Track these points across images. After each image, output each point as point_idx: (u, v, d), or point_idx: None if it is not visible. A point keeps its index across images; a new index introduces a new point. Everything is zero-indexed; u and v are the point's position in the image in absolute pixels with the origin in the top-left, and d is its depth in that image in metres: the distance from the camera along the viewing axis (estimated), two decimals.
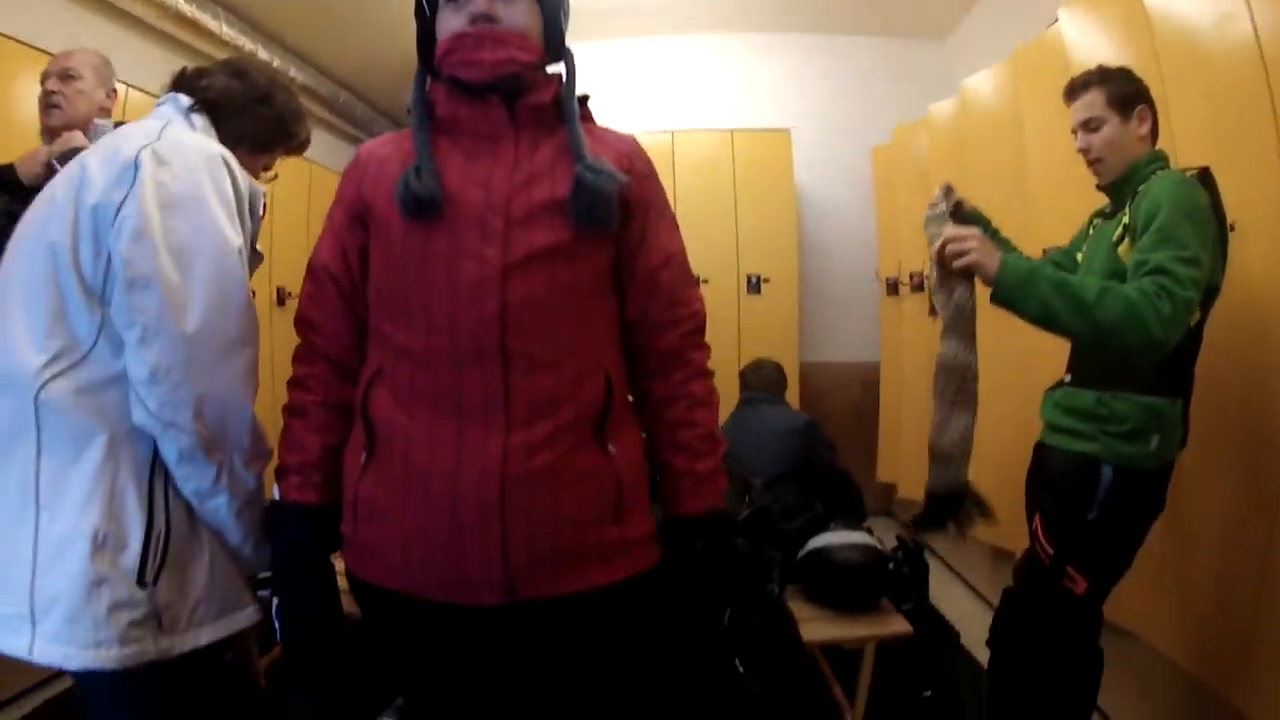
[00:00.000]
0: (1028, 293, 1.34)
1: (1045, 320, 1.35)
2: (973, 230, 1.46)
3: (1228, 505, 1.76)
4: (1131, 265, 1.40)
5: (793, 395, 3.74)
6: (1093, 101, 1.59)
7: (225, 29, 3.39)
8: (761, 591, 1.88)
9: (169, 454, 0.97)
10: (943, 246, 1.42)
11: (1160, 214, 1.39)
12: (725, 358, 3.69)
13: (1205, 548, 1.83)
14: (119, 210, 0.95)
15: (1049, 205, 2.47)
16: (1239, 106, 1.69)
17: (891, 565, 2.28)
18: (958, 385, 1.53)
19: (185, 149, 1.02)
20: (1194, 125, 1.85)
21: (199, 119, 1.14)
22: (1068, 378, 1.66)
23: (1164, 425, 1.50)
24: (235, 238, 1.03)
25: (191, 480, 0.99)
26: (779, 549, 2.08)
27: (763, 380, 2.88)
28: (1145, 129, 1.59)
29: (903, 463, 3.69)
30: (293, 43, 4.03)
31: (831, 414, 4.16)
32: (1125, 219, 1.52)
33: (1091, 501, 1.51)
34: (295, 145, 1.33)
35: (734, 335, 3.76)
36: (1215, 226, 1.45)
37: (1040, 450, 1.73)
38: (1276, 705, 1.50)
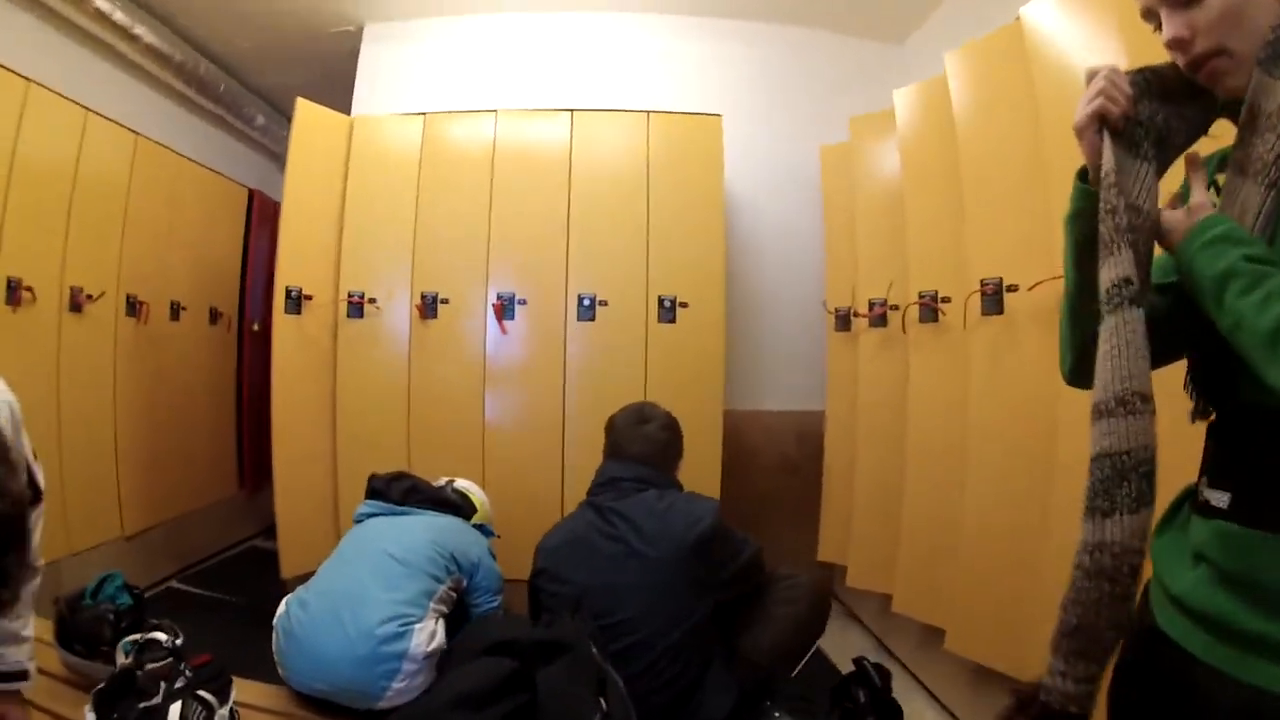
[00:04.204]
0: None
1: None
2: None
3: None
4: None
5: (713, 453, 2.94)
6: None
7: None
8: None
9: None
10: None
11: None
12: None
13: None
14: None
15: None
16: None
17: None
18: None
19: None
20: None
21: None
22: (1215, 497, 0.80)
23: None
24: None
25: None
26: None
27: (644, 444, 1.92)
28: None
29: (854, 541, 2.93)
30: None
31: (758, 476, 3.42)
32: None
33: None
34: None
35: (639, 375, 2.93)
36: None
37: (1181, 669, 0.80)
38: None
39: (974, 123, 2.29)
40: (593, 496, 1.88)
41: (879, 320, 2.77)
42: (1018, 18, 2.07)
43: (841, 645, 2.88)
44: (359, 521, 2.11)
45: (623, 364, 2.94)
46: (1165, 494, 0.90)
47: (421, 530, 1.98)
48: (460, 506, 2.20)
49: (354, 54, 3.74)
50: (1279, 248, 0.73)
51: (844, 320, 3.01)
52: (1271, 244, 0.74)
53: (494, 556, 2.13)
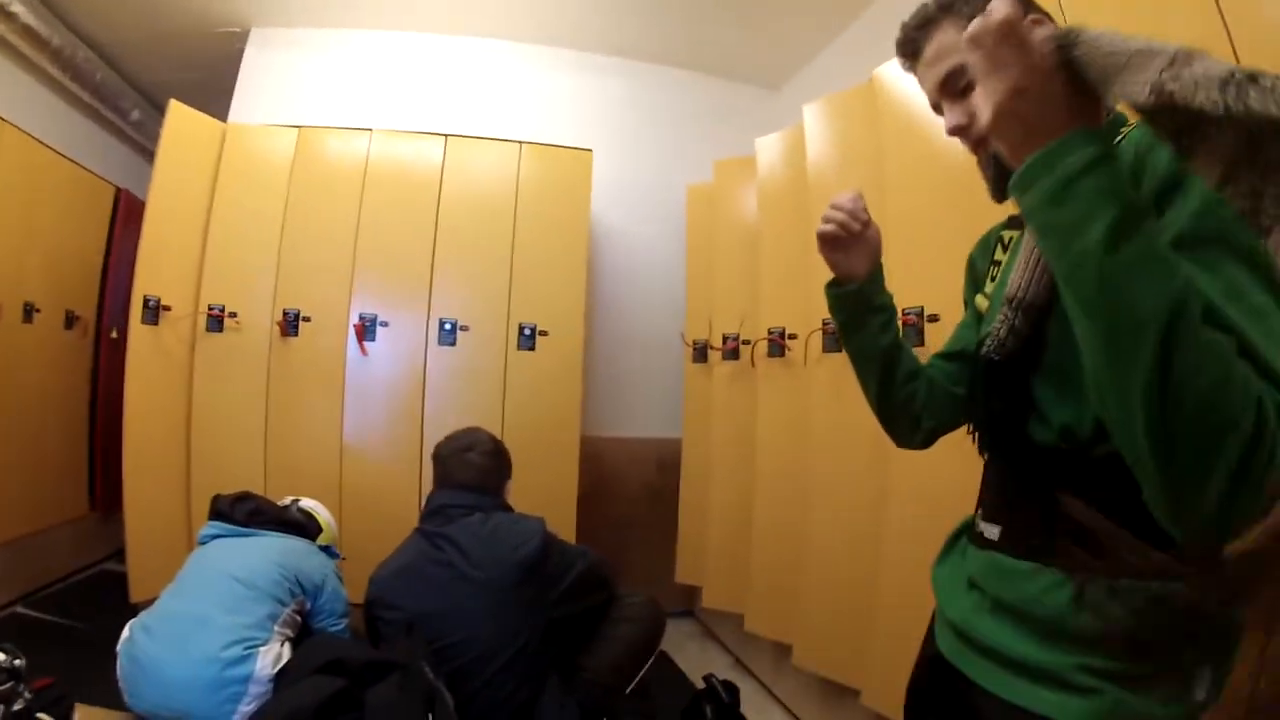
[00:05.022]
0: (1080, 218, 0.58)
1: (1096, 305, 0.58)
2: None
3: None
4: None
5: (569, 477, 3.01)
6: (945, 44, 0.88)
7: None
8: None
9: None
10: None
11: (1189, 194, 0.66)
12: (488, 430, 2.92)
13: None
14: None
15: (920, 263, 1.93)
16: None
17: None
18: None
19: None
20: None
21: None
22: (988, 529, 0.88)
23: (1222, 642, 0.78)
24: None
25: None
26: None
27: (469, 470, 1.97)
28: None
29: (709, 563, 3.01)
30: None
31: (621, 500, 3.50)
32: None
33: None
34: None
35: (497, 401, 2.95)
36: None
37: (961, 691, 0.87)
38: None
39: (826, 172, 2.43)
40: (422, 524, 1.92)
41: (731, 354, 2.88)
42: (872, 77, 2.20)
43: (700, 663, 2.98)
44: (203, 544, 2.07)
45: (482, 390, 2.95)
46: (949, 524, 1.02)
47: (265, 552, 1.96)
48: (305, 527, 2.19)
49: (238, 56, 3.64)
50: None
51: (701, 352, 3.10)
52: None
53: (340, 579, 2.12)
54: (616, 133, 3.70)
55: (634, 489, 3.57)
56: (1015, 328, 0.82)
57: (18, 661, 1.70)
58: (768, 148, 2.80)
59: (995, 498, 0.90)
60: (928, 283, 1.92)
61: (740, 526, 2.79)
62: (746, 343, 2.82)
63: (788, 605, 2.49)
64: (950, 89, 0.88)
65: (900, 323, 1.88)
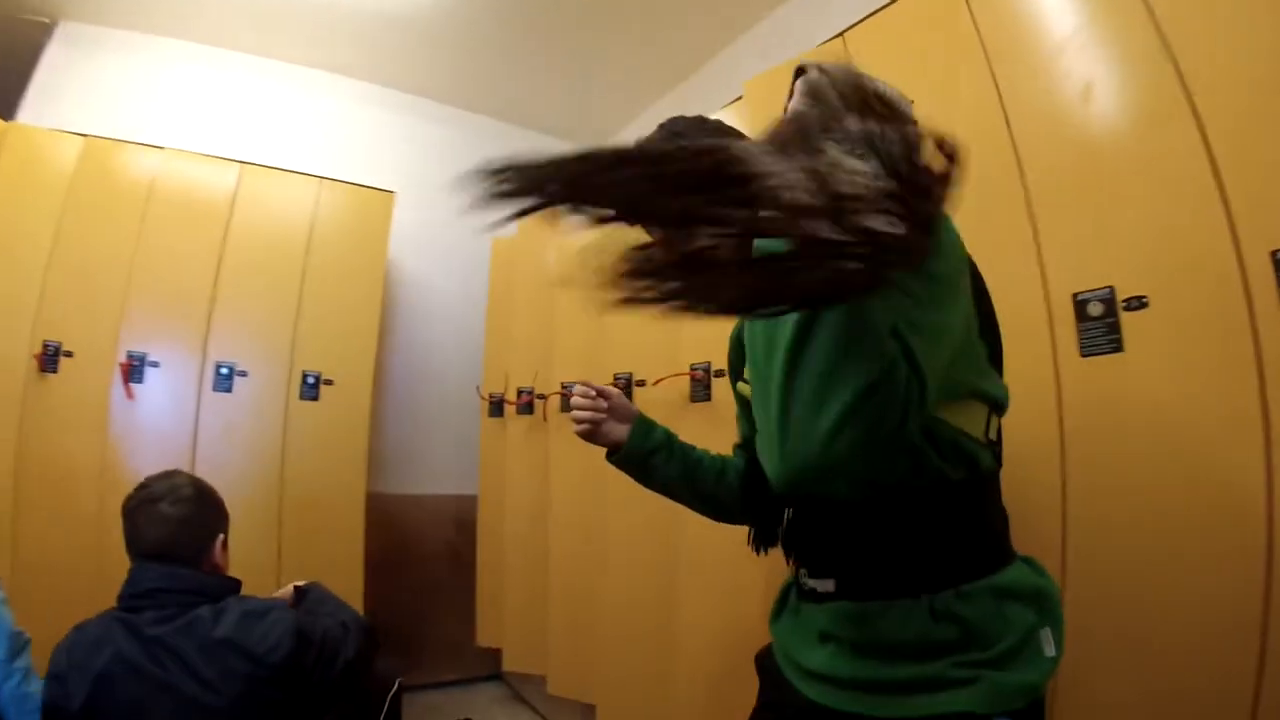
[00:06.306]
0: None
1: None
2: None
3: None
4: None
5: (354, 541, 2.84)
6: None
7: None
8: None
9: None
10: None
11: None
12: (264, 488, 2.70)
13: None
14: None
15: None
16: None
17: None
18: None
19: None
20: None
21: None
22: (820, 585, 0.92)
23: (1052, 607, 0.88)
24: None
25: None
26: None
27: (161, 527, 1.52)
28: None
29: (508, 625, 2.92)
30: None
31: (421, 562, 3.37)
32: None
33: None
34: None
35: (276, 457, 2.73)
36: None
37: None
38: None
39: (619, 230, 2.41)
40: (132, 613, 1.48)
41: (526, 408, 2.84)
42: None
43: None
44: None
45: (259, 443, 2.72)
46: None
47: None
48: None
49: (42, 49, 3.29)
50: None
51: (497, 406, 3.03)
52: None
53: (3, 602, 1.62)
54: (424, 177, 3.52)
55: (435, 549, 3.44)
56: None
57: None
58: None
59: (817, 554, 0.95)
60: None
61: (538, 586, 2.73)
62: (541, 397, 2.77)
63: (589, 664, 2.44)
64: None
65: (690, 378, 2.04)
